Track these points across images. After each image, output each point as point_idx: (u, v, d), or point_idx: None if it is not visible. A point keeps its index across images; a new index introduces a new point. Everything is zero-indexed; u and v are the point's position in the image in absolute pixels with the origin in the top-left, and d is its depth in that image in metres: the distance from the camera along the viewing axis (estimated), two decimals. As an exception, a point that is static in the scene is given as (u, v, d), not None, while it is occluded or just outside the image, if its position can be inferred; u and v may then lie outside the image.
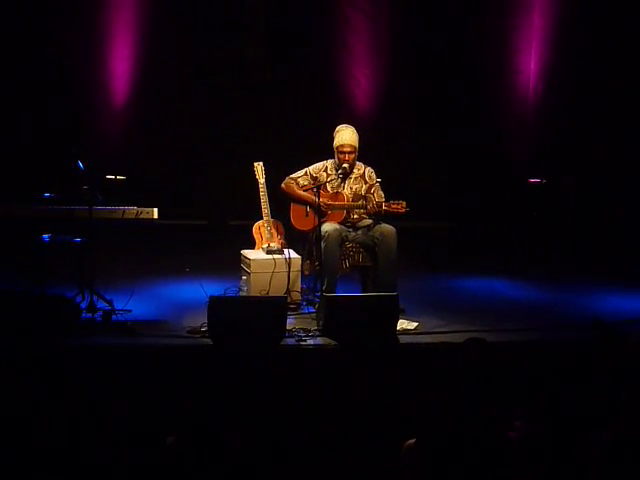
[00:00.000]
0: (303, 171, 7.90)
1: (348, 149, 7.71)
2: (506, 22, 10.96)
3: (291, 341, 6.83)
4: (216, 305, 6.81)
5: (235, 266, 8.11)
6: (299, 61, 10.73)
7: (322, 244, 7.50)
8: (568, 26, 10.74)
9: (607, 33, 10.50)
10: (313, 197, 7.61)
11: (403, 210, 7.54)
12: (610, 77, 10.54)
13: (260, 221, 7.98)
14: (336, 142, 7.75)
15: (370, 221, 7.75)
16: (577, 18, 10.66)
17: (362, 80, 10.98)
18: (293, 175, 7.90)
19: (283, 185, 7.88)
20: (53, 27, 10.25)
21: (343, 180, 7.81)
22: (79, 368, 6.45)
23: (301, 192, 7.82)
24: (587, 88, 10.61)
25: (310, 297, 7.87)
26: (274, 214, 7.97)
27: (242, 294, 7.86)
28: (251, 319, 6.72)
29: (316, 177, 7.85)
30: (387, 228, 7.64)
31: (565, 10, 10.77)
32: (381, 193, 7.83)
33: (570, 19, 10.72)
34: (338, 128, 7.80)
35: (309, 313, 7.49)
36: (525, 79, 11.11)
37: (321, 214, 7.60)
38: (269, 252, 7.80)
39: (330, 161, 7.88)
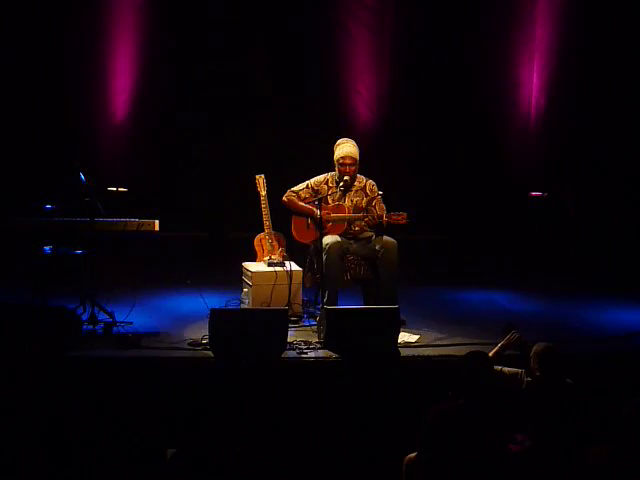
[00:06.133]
0: (304, 184, 7.92)
1: (349, 161, 7.73)
2: (508, 35, 10.98)
3: (292, 354, 6.82)
4: (217, 317, 6.79)
5: (236, 278, 8.12)
6: (301, 74, 10.75)
7: (323, 256, 7.51)
8: (570, 39, 10.76)
9: (609, 46, 10.51)
10: (314, 209, 7.63)
11: (404, 221, 7.56)
12: (612, 90, 10.55)
13: (261, 233, 7.98)
14: (337, 155, 7.77)
15: (371, 233, 7.77)
16: (579, 31, 10.68)
17: (364, 93, 10.99)
18: (294, 188, 7.91)
19: (285, 198, 7.89)
20: (55, 41, 10.26)
21: (344, 193, 7.82)
22: (80, 380, 6.44)
23: (302, 204, 7.83)
24: (589, 101, 10.62)
25: (311, 309, 7.88)
26: (275, 226, 7.98)
27: (243, 306, 7.86)
28: (252, 331, 6.71)
29: (317, 190, 7.86)
30: (388, 240, 7.64)
31: (567, 23, 10.78)
32: (383, 206, 7.83)
33: (572, 32, 10.74)
34: (339, 141, 7.83)
35: (310, 325, 7.49)
36: (527, 92, 11.12)
37: (322, 226, 7.60)
38: (270, 264, 7.80)
39: (331, 174, 7.89)
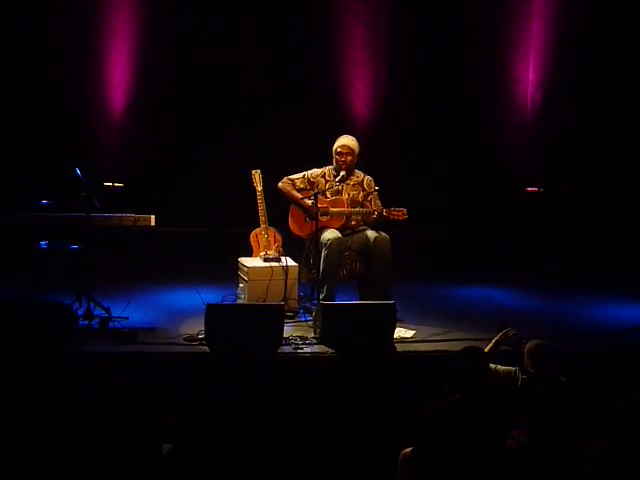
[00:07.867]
0: (301, 174, 7.95)
1: (345, 150, 7.77)
2: (504, 31, 10.96)
3: (288, 349, 6.82)
4: (213, 312, 6.80)
5: (232, 274, 8.12)
6: (297, 70, 10.73)
7: (323, 252, 7.52)
8: (567, 35, 10.74)
9: (606, 41, 10.50)
10: (307, 201, 7.67)
11: (403, 217, 7.58)
12: (609, 85, 10.54)
13: (257, 229, 7.99)
14: (335, 145, 7.82)
15: (366, 227, 7.78)
16: (576, 27, 10.67)
17: (361, 88, 10.98)
18: (291, 176, 7.95)
19: (280, 184, 7.92)
20: (51, 35, 10.23)
21: (340, 183, 7.83)
22: (76, 375, 6.44)
23: (297, 194, 7.86)
24: (586, 96, 10.61)
25: (307, 305, 7.88)
26: (272, 222, 7.98)
27: (239, 302, 7.86)
28: (248, 327, 6.71)
29: (313, 182, 7.88)
30: (381, 235, 7.65)
31: (564, 18, 10.77)
32: (378, 202, 7.85)
33: (569, 28, 10.72)
34: (340, 137, 7.87)
35: (306, 321, 7.49)
36: (523, 88, 11.11)
37: (318, 221, 7.59)
38: (266, 260, 7.81)
39: (329, 167, 7.92)
